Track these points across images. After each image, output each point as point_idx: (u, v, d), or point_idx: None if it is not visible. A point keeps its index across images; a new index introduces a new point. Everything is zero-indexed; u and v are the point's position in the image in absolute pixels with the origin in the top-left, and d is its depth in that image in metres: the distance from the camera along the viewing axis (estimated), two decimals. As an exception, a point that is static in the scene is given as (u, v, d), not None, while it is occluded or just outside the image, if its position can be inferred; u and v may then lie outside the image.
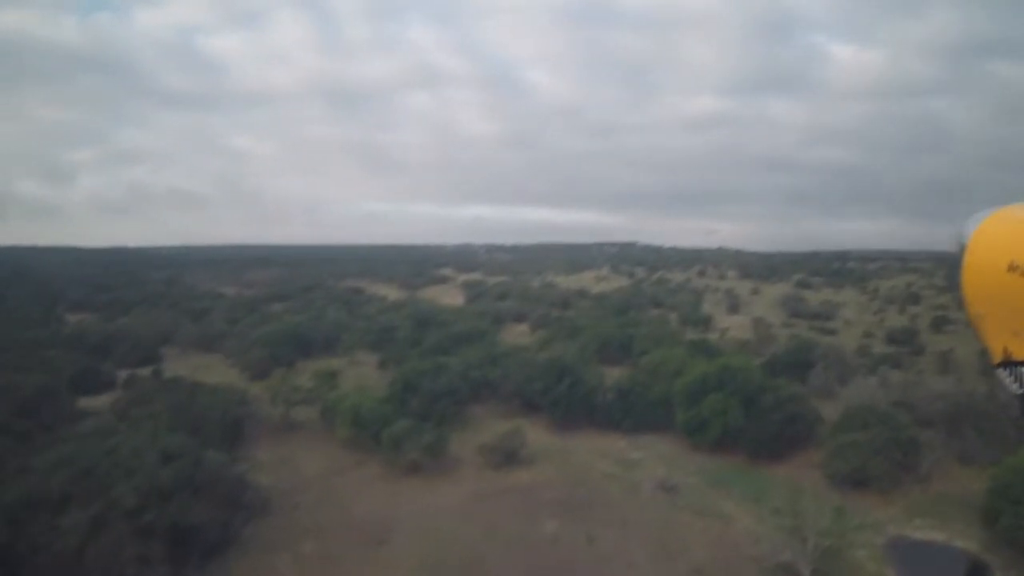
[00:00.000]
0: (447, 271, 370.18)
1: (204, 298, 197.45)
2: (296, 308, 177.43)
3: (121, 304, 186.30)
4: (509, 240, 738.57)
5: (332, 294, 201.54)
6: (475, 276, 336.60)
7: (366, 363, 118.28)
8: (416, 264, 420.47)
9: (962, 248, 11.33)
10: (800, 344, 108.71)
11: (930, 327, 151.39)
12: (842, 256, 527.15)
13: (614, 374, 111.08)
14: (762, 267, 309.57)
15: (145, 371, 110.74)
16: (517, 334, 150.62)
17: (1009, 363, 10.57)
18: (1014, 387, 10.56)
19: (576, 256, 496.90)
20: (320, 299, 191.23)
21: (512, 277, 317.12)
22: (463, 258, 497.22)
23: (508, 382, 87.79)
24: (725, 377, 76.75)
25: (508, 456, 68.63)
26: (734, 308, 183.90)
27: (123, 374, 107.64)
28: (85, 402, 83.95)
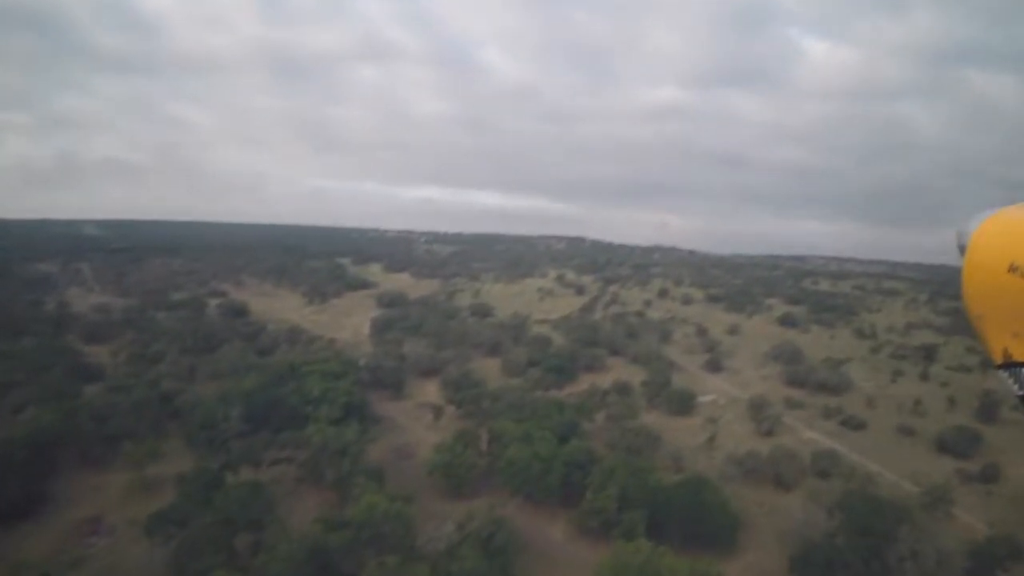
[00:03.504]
0: (375, 269, 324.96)
1: (38, 325, 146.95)
2: (138, 348, 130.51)
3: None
4: (456, 226, 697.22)
5: (198, 325, 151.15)
6: (404, 278, 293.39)
7: (154, 490, 73.61)
8: (348, 253, 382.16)
9: (962, 249, 10.65)
10: (861, 507, 65.82)
11: (978, 415, 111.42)
12: (801, 261, 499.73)
13: (554, 536, 68.90)
14: (730, 287, 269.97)
15: None
16: (416, 411, 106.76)
17: (1009, 365, 9.81)
18: (1014, 389, 9.74)
19: (521, 253, 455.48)
20: (175, 330, 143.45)
21: (444, 284, 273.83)
22: (399, 249, 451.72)
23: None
24: None
25: None
26: (715, 363, 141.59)
27: None
28: None
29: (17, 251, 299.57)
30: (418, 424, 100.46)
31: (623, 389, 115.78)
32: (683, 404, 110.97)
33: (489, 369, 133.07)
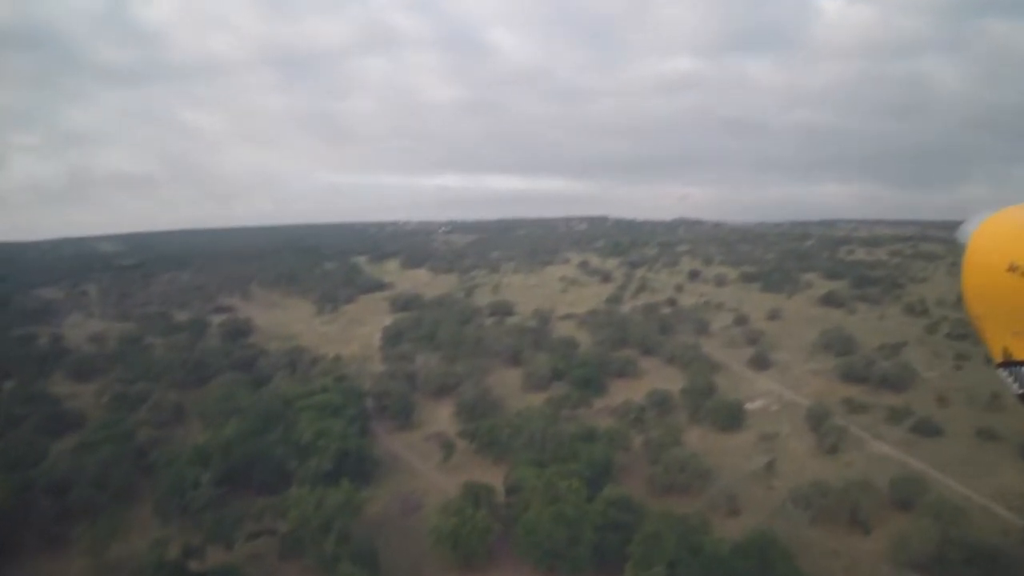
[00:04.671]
0: (391, 266, 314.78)
1: (24, 365, 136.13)
2: (124, 386, 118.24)
3: None
4: (475, 213, 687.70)
5: (191, 353, 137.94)
6: (421, 275, 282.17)
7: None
8: (365, 250, 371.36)
9: (962, 248, 11.13)
10: (964, 566, 52.42)
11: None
12: (829, 227, 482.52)
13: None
14: (763, 263, 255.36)
15: None
16: (425, 444, 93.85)
17: (1009, 363, 10.16)
18: (1014, 387, 10.16)
19: (541, 237, 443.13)
20: (167, 361, 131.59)
21: (461, 278, 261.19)
22: (417, 242, 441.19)
23: None
24: None
25: None
26: (760, 358, 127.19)
27: None
28: None
29: (23, 277, 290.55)
30: (427, 463, 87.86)
31: (661, 402, 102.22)
32: (731, 416, 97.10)
33: (509, 382, 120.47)
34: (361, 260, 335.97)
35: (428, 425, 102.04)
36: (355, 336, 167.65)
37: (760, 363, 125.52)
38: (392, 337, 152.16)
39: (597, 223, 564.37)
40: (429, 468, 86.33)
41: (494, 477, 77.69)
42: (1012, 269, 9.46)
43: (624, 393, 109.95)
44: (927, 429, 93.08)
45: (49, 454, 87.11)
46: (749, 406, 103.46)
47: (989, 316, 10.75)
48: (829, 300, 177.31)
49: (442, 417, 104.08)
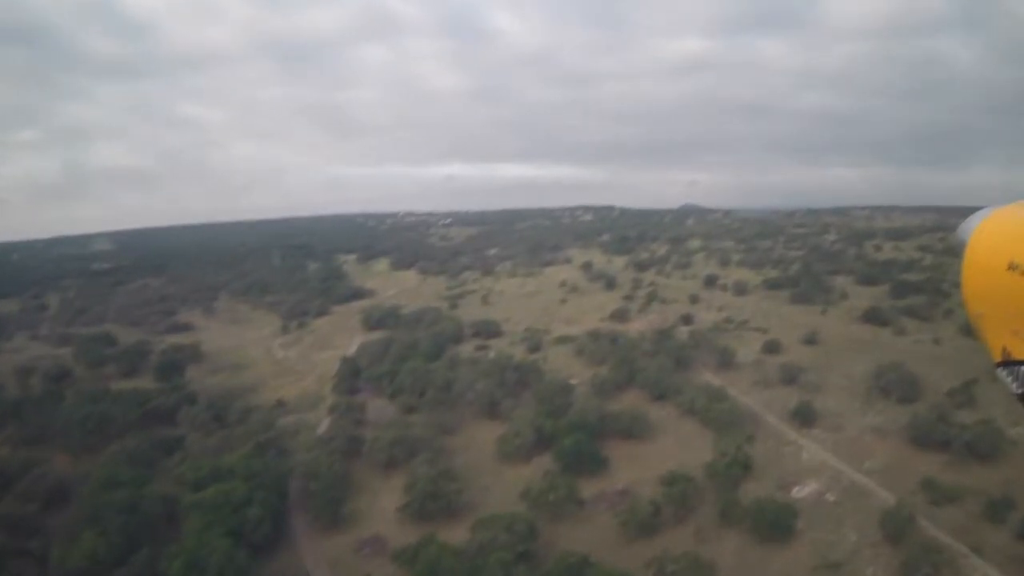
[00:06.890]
0: (380, 266, 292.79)
1: None
2: (10, 450, 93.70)
3: None
4: (481, 203, 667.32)
5: (102, 404, 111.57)
6: (409, 277, 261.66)
7: None
8: (357, 247, 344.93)
9: (962, 247, 9.72)
10: None
11: None
12: (844, 215, 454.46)
13: None
14: (787, 263, 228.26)
15: None
16: (353, 558, 68.28)
17: (1009, 363, 9.01)
18: (1014, 387, 8.95)
19: (544, 231, 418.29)
20: (71, 415, 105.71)
21: (451, 282, 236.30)
22: (414, 237, 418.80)
23: None
24: None
25: None
26: (803, 409, 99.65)
27: None
28: None
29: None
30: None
31: (681, 496, 75.39)
32: (775, 521, 70.56)
33: (482, 446, 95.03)
34: (349, 260, 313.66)
35: (365, 522, 76.62)
36: (313, 364, 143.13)
37: (804, 415, 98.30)
38: (348, 376, 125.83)
39: (603, 213, 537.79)
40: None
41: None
42: (1012, 268, 7.90)
43: (629, 469, 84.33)
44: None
45: None
46: (797, 492, 77.28)
47: (989, 315, 8.98)
48: (872, 316, 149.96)
49: (386, 508, 78.64)
